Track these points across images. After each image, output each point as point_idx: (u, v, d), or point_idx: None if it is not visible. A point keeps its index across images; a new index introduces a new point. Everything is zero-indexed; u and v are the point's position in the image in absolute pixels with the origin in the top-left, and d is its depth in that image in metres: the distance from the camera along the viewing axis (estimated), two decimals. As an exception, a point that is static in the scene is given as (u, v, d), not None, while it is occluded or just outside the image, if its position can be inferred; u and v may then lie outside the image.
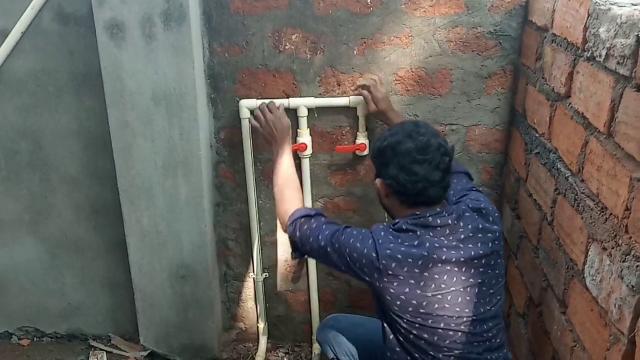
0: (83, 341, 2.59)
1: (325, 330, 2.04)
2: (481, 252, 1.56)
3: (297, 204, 1.82)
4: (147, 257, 2.27)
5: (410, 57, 2.07)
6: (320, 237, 1.65)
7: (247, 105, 2.13)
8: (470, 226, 1.58)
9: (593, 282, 1.31)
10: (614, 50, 1.24)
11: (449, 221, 1.57)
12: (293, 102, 2.12)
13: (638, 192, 1.12)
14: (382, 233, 1.57)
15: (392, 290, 1.52)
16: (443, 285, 1.51)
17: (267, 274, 2.44)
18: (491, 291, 1.59)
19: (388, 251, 1.52)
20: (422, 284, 1.50)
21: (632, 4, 1.26)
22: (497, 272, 1.61)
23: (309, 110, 2.13)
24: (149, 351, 2.42)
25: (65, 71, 2.16)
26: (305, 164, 2.21)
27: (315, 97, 2.13)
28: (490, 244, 1.59)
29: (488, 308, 1.58)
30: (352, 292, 2.46)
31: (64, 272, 2.50)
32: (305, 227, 1.70)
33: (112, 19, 1.92)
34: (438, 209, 1.59)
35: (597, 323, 1.29)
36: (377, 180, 1.65)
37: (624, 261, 1.15)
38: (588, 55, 1.39)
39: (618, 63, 1.22)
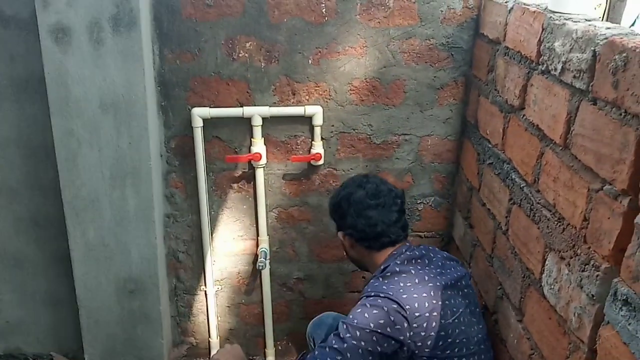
0: (22, 361, 2.45)
1: (314, 325, 2.08)
2: (459, 273, 1.66)
3: None
4: (92, 272, 2.17)
5: (364, 67, 2.07)
6: (336, 347, 1.49)
7: (199, 113, 2.07)
8: (439, 255, 1.70)
9: (551, 291, 1.34)
10: (569, 65, 1.27)
11: (423, 252, 1.68)
12: (247, 111, 2.08)
13: (596, 203, 1.15)
14: (384, 287, 1.55)
15: (423, 334, 1.49)
16: (455, 309, 1.56)
17: (219, 286, 2.38)
18: (478, 310, 1.68)
19: (405, 296, 1.51)
20: (442, 313, 1.52)
21: (586, 20, 1.30)
22: (474, 292, 1.71)
23: (264, 119, 2.10)
24: (95, 370, 2.31)
25: (4, 77, 2.04)
26: (260, 174, 2.18)
27: (270, 107, 2.10)
28: (458, 267, 1.70)
29: (481, 327, 1.64)
30: (306, 304, 2.44)
31: (2, 288, 2.35)
32: None
33: (57, 22, 1.82)
34: (407, 244, 1.70)
35: (555, 331, 1.31)
36: (339, 234, 1.76)
37: (583, 270, 1.18)
38: (543, 68, 1.43)
39: (574, 77, 1.25)
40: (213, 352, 2.44)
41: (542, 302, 1.39)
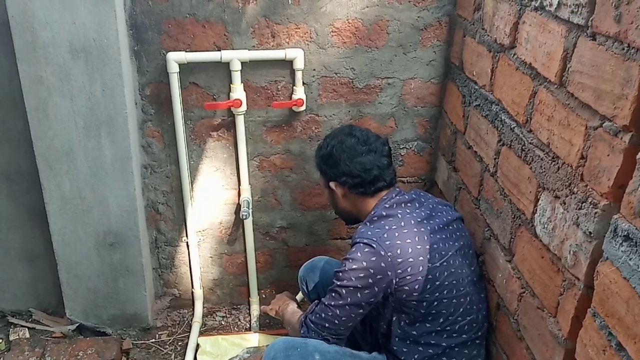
0: (1, 318, 2.39)
1: (306, 269, 2.09)
2: (450, 217, 1.68)
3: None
4: (70, 226, 2.10)
5: (347, 8, 1.99)
6: (332, 304, 1.62)
7: (175, 58, 1.98)
8: (430, 200, 1.72)
9: (544, 230, 1.34)
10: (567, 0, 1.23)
11: (413, 195, 1.70)
12: (225, 55, 1.99)
13: (595, 141, 1.14)
14: (369, 232, 1.59)
15: (409, 278, 1.53)
16: (443, 252, 1.58)
17: (201, 237, 2.34)
18: (471, 252, 1.70)
19: (387, 242, 1.54)
20: (429, 257, 1.55)
21: (585, -48, 1.25)
22: (468, 234, 1.73)
23: (243, 64, 2.02)
24: (77, 324, 2.27)
25: (-38, 21, 1.90)
26: (240, 121, 2.11)
27: (249, 50, 2.02)
28: (451, 211, 1.72)
29: (472, 269, 1.68)
30: (290, 252, 2.42)
31: (-26, 245, 2.27)
32: (314, 317, 1.68)
33: (18, -40, 1.70)
34: (398, 189, 1.72)
35: (548, 269, 1.32)
36: (332, 184, 1.73)
37: (580, 208, 1.18)
38: (536, 4, 1.39)
39: (572, 12, 1.22)
40: (197, 302, 2.42)
41: (533, 241, 1.40)
